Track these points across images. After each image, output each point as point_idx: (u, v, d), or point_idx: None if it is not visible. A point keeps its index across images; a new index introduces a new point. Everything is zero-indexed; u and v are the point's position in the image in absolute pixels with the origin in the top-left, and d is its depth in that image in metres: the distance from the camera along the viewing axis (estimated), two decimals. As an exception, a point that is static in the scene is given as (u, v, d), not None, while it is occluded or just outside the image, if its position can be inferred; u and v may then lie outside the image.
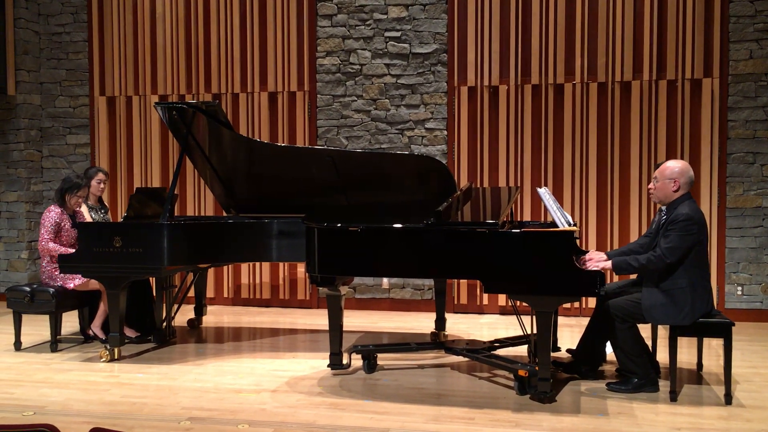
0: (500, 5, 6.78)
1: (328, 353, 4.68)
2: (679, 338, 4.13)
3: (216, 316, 6.79)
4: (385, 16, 7.01)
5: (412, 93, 6.98)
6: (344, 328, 4.77)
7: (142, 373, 4.77)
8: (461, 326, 6.23)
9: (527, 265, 4.03)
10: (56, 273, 5.33)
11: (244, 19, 7.26)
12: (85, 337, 5.66)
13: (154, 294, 5.71)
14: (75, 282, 5.35)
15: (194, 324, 6.26)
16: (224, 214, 6.07)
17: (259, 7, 7.22)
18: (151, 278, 5.71)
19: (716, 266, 6.44)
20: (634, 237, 6.43)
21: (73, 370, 4.85)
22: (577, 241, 4.83)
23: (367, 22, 7.04)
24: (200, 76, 7.36)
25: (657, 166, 4.43)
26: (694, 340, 4.67)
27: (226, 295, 7.39)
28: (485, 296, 6.81)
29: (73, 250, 5.13)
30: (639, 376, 4.24)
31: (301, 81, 7.18)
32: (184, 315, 6.25)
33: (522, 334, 5.02)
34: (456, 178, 6.45)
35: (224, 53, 7.30)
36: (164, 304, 5.61)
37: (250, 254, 5.39)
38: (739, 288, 6.45)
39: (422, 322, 6.34)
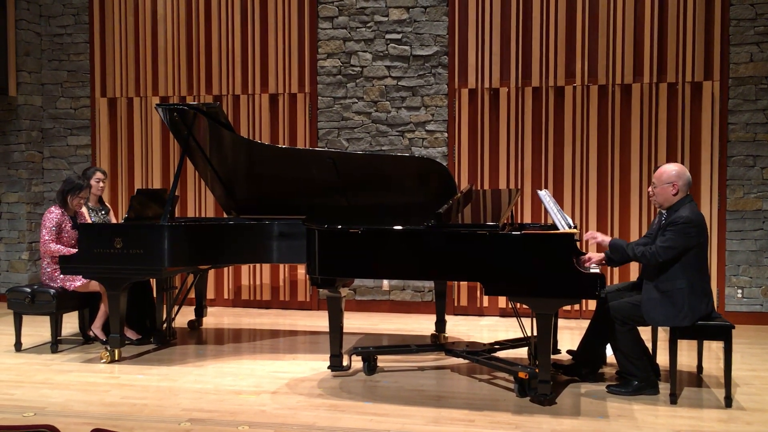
0: (501, 8, 6.78)
1: (329, 355, 4.68)
2: (679, 341, 4.14)
3: (216, 318, 6.79)
4: (386, 19, 7.02)
5: (412, 95, 6.98)
6: (344, 330, 4.77)
7: (143, 374, 4.77)
8: (461, 328, 6.24)
9: (527, 268, 4.03)
10: (57, 274, 5.33)
11: (245, 21, 7.27)
12: (85, 338, 5.66)
13: (155, 295, 5.71)
14: (75, 283, 5.35)
15: (194, 325, 6.26)
16: (225, 215, 6.07)
17: (260, 9, 7.23)
18: (151, 279, 5.72)
19: (716, 269, 6.44)
20: (634, 239, 6.42)
21: (74, 371, 4.85)
22: (578, 244, 4.83)
23: (368, 25, 7.05)
24: (201, 78, 7.36)
25: (656, 169, 4.44)
26: (695, 343, 4.67)
27: (226, 296, 7.40)
28: (485, 298, 6.82)
29: (75, 251, 5.14)
30: (639, 378, 4.24)
31: (302, 83, 7.18)
32: (184, 316, 6.25)
33: (522, 336, 5.03)
34: (456, 180, 6.45)
35: (225, 55, 7.30)
36: (164, 306, 5.62)
37: (250, 256, 5.40)
38: (740, 291, 6.45)
39: (422, 324, 6.34)
